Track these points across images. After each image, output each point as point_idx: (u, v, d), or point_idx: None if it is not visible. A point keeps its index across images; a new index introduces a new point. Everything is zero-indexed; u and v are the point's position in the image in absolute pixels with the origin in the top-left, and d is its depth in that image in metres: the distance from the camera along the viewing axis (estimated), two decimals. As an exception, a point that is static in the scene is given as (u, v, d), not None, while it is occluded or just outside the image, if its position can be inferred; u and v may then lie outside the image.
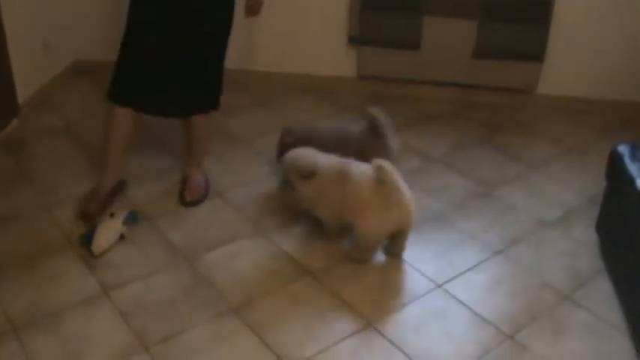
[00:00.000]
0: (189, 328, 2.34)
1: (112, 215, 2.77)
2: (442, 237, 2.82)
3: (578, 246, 2.76)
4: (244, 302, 2.45)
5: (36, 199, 3.03)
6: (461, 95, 3.92)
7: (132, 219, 2.80)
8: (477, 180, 3.20)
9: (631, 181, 2.44)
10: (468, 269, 2.64)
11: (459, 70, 3.77)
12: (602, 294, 2.53)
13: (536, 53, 3.66)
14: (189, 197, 3.02)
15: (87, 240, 2.68)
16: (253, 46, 4.02)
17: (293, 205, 2.80)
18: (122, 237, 2.73)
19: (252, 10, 2.96)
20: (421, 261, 2.68)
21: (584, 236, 2.81)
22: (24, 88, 3.52)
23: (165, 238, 2.78)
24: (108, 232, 2.69)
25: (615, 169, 2.61)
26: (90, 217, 2.84)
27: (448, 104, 3.93)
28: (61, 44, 3.95)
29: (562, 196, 3.09)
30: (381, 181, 2.55)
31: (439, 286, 2.56)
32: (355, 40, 3.78)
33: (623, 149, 2.61)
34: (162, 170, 3.23)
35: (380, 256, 2.69)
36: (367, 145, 2.91)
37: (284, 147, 2.95)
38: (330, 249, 2.73)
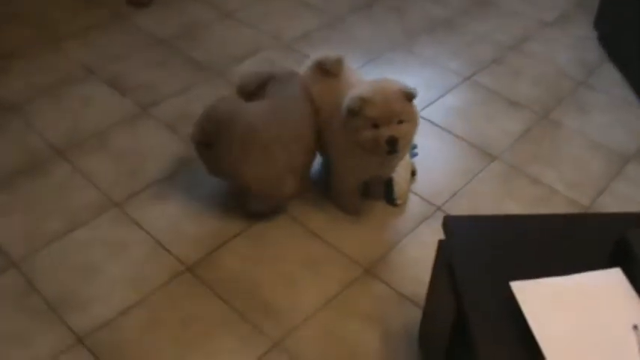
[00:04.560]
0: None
1: None
2: (457, 38, 2.92)
3: (581, 41, 2.94)
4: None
5: (36, 36, 2.84)
6: None
7: (412, 150, 2.34)
8: (473, -10, 3.32)
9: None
10: (491, 62, 2.78)
11: None
12: (611, 78, 2.73)
13: None
14: None
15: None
16: None
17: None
18: (413, 174, 2.27)
19: None
20: (444, 59, 2.78)
21: (584, 32, 2.99)
22: None
23: (189, 58, 2.72)
24: (405, 174, 2.20)
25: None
26: (143, 5, 3.03)
27: None
28: None
29: (554, 1, 3.24)
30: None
31: (468, 78, 2.68)
32: None
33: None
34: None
35: (408, 58, 2.77)
36: None
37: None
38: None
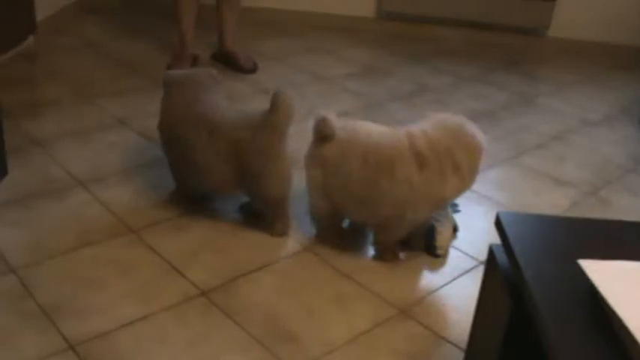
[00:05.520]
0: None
1: None
2: (498, 127, 2.85)
3: (626, 138, 2.86)
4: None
5: (73, 92, 2.86)
6: (476, 35, 3.98)
7: (454, 207, 2.21)
8: (514, 92, 3.27)
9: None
10: (535, 147, 2.68)
11: (477, 8, 3.85)
12: (662, 171, 2.62)
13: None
14: (248, 65, 3.20)
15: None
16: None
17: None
18: (455, 229, 2.11)
19: None
20: (486, 143, 2.67)
21: (630, 132, 2.92)
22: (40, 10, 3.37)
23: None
24: (448, 226, 2.03)
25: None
26: None
27: (466, 44, 3.97)
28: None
29: (596, 105, 3.20)
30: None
31: (512, 159, 2.57)
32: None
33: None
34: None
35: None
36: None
37: None
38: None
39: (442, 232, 1.97)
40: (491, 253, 1.42)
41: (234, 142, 1.88)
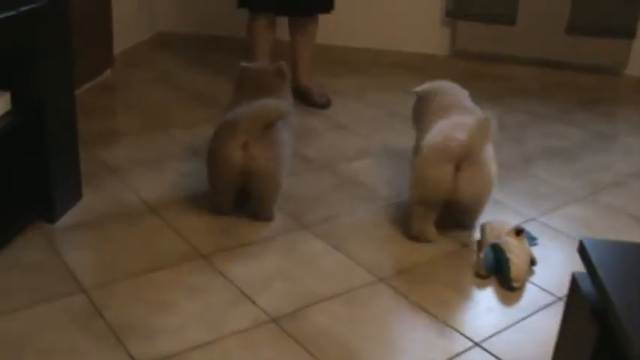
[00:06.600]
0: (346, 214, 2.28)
1: (517, 234, 2.00)
2: (574, 165, 2.76)
3: None
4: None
5: (147, 122, 2.94)
6: (551, 74, 3.89)
7: (532, 240, 2.14)
8: (591, 131, 3.17)
9: None
10: (613, 185, 2.58)
11: (552, 47, 3.78)
12: None
13: (627, 30, 3.63)
14: (322, 100, 3.23)
15: (490, 267, 1.95)
16: (346, 21, 3.95)
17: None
18: (533, 263, 2.03)
19: None
20: (563, 181, 2.60)
21: None
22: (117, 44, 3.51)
23: (300, 153, 2.65)
24: (524, 259, 1.95)
25: None
26: None
27: (540, 83, 3.87)
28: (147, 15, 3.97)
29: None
30: None
31: (588, 197, 2.48)
32: (452, 13, 3.81)
33: None
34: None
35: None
36: None
37: None
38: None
39: (517, 264, 1.90)
40: (574, 281, 1.35)
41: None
